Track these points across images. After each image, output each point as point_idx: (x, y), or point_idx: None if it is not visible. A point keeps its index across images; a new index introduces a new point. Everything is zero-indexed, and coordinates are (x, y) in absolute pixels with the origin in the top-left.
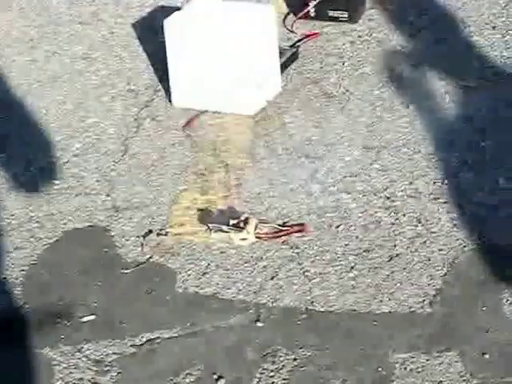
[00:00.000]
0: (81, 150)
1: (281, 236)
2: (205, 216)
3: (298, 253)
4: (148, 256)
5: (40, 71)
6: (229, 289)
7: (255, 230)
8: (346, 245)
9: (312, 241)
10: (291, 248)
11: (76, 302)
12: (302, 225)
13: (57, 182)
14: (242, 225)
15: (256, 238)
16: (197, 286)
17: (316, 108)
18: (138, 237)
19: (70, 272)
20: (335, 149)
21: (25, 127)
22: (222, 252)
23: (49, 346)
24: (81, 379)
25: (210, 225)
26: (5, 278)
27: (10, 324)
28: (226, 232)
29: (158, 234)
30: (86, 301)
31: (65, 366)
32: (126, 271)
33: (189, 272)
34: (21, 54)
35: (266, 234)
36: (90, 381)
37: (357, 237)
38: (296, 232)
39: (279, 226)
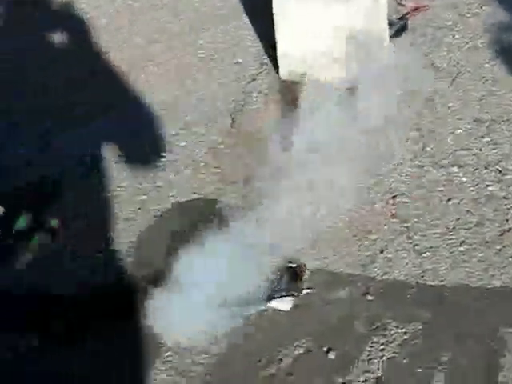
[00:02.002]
0: (189, 123)
1: None
2: None
3: (407, 227)
4: None
5: (146, 45)
6: (338, 262)
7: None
8: (458, 219)
9: (422, 215)
10: (401, 222)
11: None
12: None
13: (165, 154)
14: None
15: None
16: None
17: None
18: (243, 208)
19: (178, 243)
20: (446, 122)
21: (133, 101)
22: (329, 226)
23: None
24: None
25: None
26: (114, 249)
27: (119, 295)
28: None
29: None
30: None
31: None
32: None
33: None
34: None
35: None
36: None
37: (468, 211)
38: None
39: None
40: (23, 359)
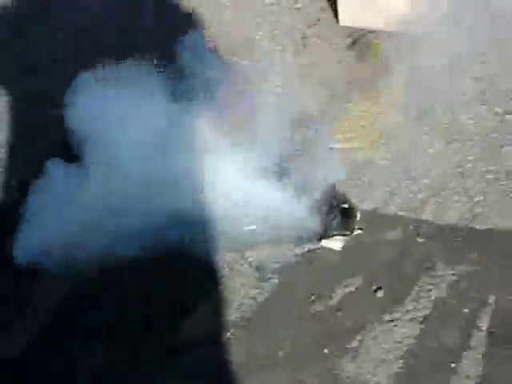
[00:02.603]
0: None
1: None
2: None
3: (461, 172)
4: None
5: None
6: (390, 204)
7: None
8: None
9: (475, 161)
10: (456, 167)
11: None
12: None
13: None
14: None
15: None
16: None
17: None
18: None
19: None
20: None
21: None
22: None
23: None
24: (243, 284)
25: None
26: None
27: None
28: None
29: None
30: None
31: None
32: None
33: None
34: None
35: None
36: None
37: None
38: None
39: None
40: None
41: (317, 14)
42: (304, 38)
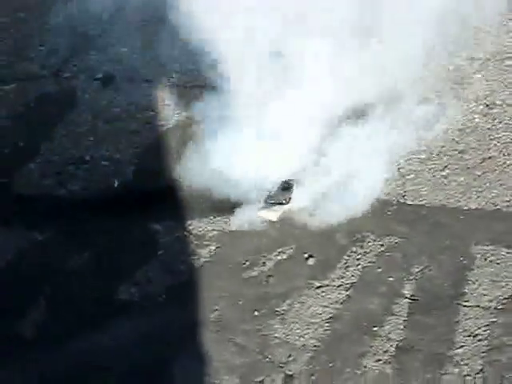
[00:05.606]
0: None
1: None
2: None
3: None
4: None
5: None
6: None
7: None
8: (443, 146)
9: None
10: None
11: None
12: None
13: None
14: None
15: None
16: None
17: None
18: None
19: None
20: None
21: None
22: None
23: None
24: (181, 250)
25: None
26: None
27: (123, 199)
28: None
29: None
30: None
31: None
32: None
33: None
34: None
35: None
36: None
37: (453, 139)
38: None
39: None
40: None
41: None
42: None
